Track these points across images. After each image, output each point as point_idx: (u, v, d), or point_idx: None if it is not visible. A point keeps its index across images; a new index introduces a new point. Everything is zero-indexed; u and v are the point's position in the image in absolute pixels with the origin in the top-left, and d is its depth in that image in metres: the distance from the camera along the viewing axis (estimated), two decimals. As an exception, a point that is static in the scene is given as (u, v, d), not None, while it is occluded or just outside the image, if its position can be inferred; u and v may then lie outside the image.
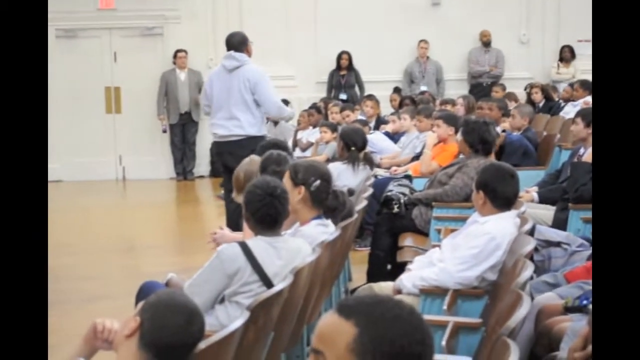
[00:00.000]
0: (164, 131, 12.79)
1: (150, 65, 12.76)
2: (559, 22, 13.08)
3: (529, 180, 6.34)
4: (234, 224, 5.14)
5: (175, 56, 12.66)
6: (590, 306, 3.21)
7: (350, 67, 12.76)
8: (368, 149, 7.02)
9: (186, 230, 9.27)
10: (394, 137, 9.21)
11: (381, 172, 7.71)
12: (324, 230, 4.09)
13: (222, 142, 7.03)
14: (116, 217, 10.17)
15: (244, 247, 3.52)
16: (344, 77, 12.78)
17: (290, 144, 9.61)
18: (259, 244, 3.56)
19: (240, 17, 12.57)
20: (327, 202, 4.16)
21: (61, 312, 5.62)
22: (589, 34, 11.62)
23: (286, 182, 4.06)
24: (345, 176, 6.43)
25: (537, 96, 11.51)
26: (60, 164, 12.52)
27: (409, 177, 7.00)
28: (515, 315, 2.68)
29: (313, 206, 4.11)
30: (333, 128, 9.02)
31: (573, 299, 3.66)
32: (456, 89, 12.64)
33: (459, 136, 6.25)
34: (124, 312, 2.75)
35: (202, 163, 13.00)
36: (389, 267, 5.96)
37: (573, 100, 10.81)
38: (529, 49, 13.22)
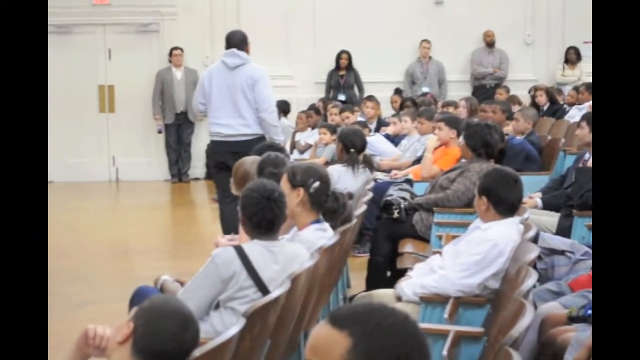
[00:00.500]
0: (160, 132, 12.77)
1: (146, 63, 12.76)
2: (565, 22, 13.08)
3: (532, 185, 6.35)
4: (230, 228, 5.14)
5: (170, 54, 12.67)
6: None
7: (349, 67, 12.75)
8: (368, 151, 7.03)
9: (181, 234, 9.26)
10: (395, 139, 9.22)
11: (381, 176, 7.72)
12: (322, 235, 4.09)
13: (226, 141, 6.98)
14: (109, 220, 10.16)
15: (240, 251, 3.52)
16: (343, 78, 12.78)
17: (287, 145, 9.62)
18: (255, 248, 3.56)
19: (237, 14, 12.59)
20: (327, 204, 4.16)
21: (51, 317, 5.54)
22: (595, 36, 11.61)
23: (284, 184, 4.06)
24: (345, 179, 6.43)
25: (542, 99, 11.51)
26: (52, 164, 12.47)
27: (409, 182, 7.00)
28: (518, 325, 2.68)
29: (312, 209, 4.11)
30: (332, 129, 9.02)
31: (577, 308, 3.66)
32: (459, 91, 12.63)
33: (460, 140, 6.25)
34: (116, 318, 2.75)
35: (198, 165, 13.00)
36: (388, 273, 5.96)
37: (578, 104, 10.82)
38: (533, 50, 13.23)
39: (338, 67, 12.79)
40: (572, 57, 13.04)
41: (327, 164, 7.82)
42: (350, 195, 5.01)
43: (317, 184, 4.10)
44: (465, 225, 4.95)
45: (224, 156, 6.94)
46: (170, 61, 12.70)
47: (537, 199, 6.17)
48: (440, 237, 5.37)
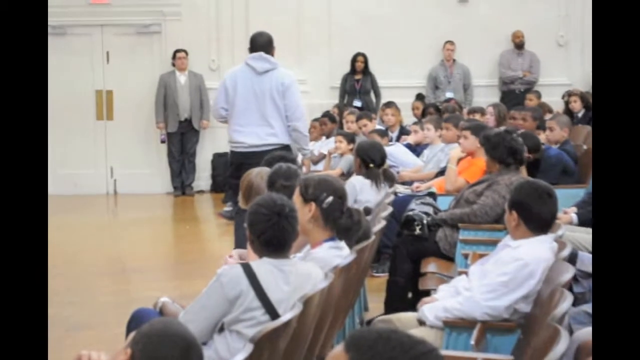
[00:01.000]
0: (163, 141, 12.77)
1: (147, 66, 12.81)
2: (601, 22, 13.06)
3: (567, 199, 6.32)
4: (244, 242, 5.12)
5: (174, 57, 12.69)
6: None
7: (366, 70, 12.75)
8: (387, 163, 7.01)
9: (184, 252, 9.28)
10: (416, 149, 9.20)
11: (402, 189, 7.70)
12: (338, 253, 4.08)
13: (250, 152, 6.95)
14: (106, 236, 10.19)
15: (247, 269, 3.51)
16: (358, 82, 12.77)
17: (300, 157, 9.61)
18: (265, 267, 3.55)
19: (246, 14, 12.60)
20: (341, 221, 4.14)
21: (43, 341, 5.61)
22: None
23: (296, 198, 4.05)
24: (367, 191, 6.44)
25: (576, 105, 11.46)
26: (45, 175, 12.57)
27: (432, 195, 6.99)
28: (552, 353, 2.67)
29: (325, 226, 4.10)
30: (350, 138, 9.02)
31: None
32: (485, 97, 12.63)
33: (484, 155, 6.24)
34: (113, 343, 2.74)
35: (203, 176, 13.02)
36: (409, 295, 5.94)
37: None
38: (567, 52, 13.21)
39: (354, 70, 12.79)
40: (608, 59, 13.01)
41: (343, 175, 7.81)
42: (368, 211, 5.00)
43: (330, 198, 4.08)
44: (493, 243, 4.93)
45: (245, 168, 6.90)
46: (173, 65, 12.72)
47: (573, 214, 6.14)
48: (466, 256, 5.35)
